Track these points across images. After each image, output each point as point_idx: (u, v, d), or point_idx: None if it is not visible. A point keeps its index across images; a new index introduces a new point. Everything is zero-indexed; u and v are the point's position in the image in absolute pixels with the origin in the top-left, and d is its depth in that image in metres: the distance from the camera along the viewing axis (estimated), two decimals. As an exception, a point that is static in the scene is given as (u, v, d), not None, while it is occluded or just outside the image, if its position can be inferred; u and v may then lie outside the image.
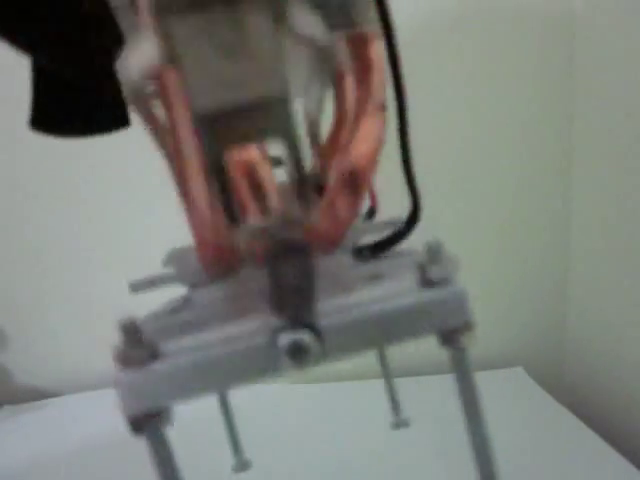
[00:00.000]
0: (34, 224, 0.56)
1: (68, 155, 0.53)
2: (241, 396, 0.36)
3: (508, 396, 0.52)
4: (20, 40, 0.16)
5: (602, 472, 0.40)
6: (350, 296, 0.15)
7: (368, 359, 0.29)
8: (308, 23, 0.14)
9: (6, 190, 0.56)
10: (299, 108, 0.21)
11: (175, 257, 0.20)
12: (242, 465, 0.34)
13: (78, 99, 0.17)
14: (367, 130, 0.16)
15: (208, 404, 0.25)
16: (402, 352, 0.33)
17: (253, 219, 0.16)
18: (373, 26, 0.16)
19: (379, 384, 0.36)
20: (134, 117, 0.15)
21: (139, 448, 0.35)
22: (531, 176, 0.57)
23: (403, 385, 0.46)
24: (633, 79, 0.45)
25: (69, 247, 0.57)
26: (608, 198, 0.52)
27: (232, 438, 0.33)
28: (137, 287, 0.20)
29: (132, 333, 0.14)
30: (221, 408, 0.33)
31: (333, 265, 0.18)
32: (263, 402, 0.47)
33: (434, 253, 0.15)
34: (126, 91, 0.13)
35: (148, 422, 0.14)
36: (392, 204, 0.22)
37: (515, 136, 0.55)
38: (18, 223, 0.56)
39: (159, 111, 0.14)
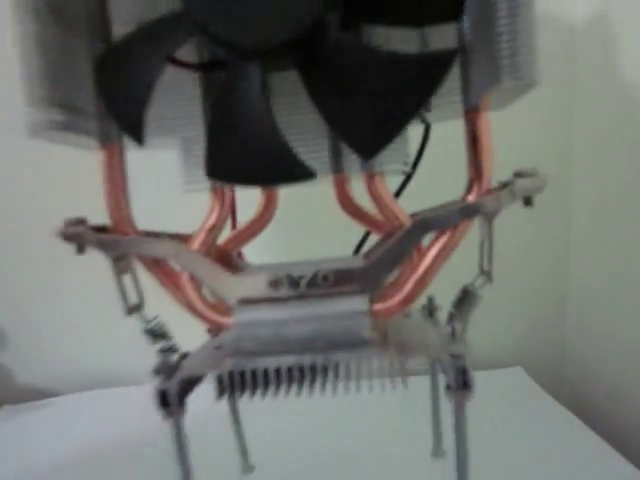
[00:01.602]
0: (34, 224, 0.54)
1: (68, 155, 0.54)
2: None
3: (508, 395, 0.52)
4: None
5: (601, 471, 0.39)
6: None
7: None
8: None
9: (6, 190, 0.55)
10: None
11: None
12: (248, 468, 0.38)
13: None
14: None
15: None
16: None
17: None
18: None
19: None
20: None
21: (138, 448, 0.41)
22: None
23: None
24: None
25: (69, 247, 0.57)
26: (607, 198, 0.52)
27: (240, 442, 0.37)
28: None
29: None
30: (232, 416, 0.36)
31: None
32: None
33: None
34: None
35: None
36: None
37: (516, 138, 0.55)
38: (18, 223, 0.56)
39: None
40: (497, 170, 0.32)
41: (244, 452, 0.37)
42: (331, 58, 0.20)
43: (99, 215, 0.27)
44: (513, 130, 0.54)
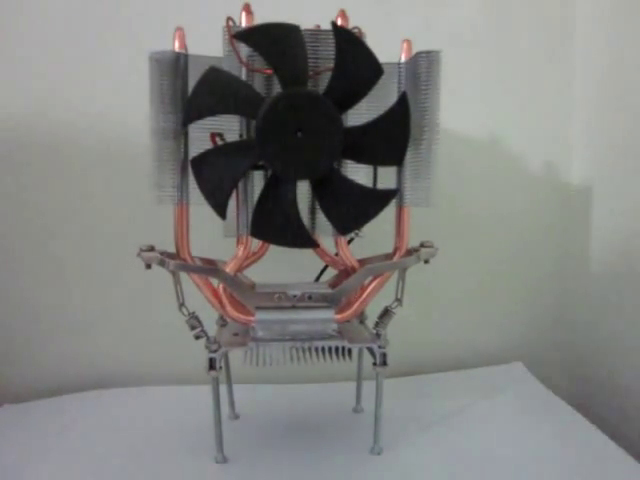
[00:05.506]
0: (35, 224, 0.57)
1: (68, 156, 0.56)
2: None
3: (508, 390, 0.54)
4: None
5: (601, 464, 0.41)
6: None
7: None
8: None
9: (8, 191, 0.57)
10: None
11: None
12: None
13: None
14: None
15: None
16: (402, 351, 0.46)
17: None
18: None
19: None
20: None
21: (138, 447, 0.45)
22: (530, 174, 0.61)
23: (403, 383, 0.57)
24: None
25: (69, 248, 0.58)
26: (606, 196, 0.54)
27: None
28: None
29: None
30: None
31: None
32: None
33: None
34: None
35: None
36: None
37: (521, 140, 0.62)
38: (19, 223, 0.57)
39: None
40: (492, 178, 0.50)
41: (232, 403, 0.51)
42: (331, 181, 0.37)
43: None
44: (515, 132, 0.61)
